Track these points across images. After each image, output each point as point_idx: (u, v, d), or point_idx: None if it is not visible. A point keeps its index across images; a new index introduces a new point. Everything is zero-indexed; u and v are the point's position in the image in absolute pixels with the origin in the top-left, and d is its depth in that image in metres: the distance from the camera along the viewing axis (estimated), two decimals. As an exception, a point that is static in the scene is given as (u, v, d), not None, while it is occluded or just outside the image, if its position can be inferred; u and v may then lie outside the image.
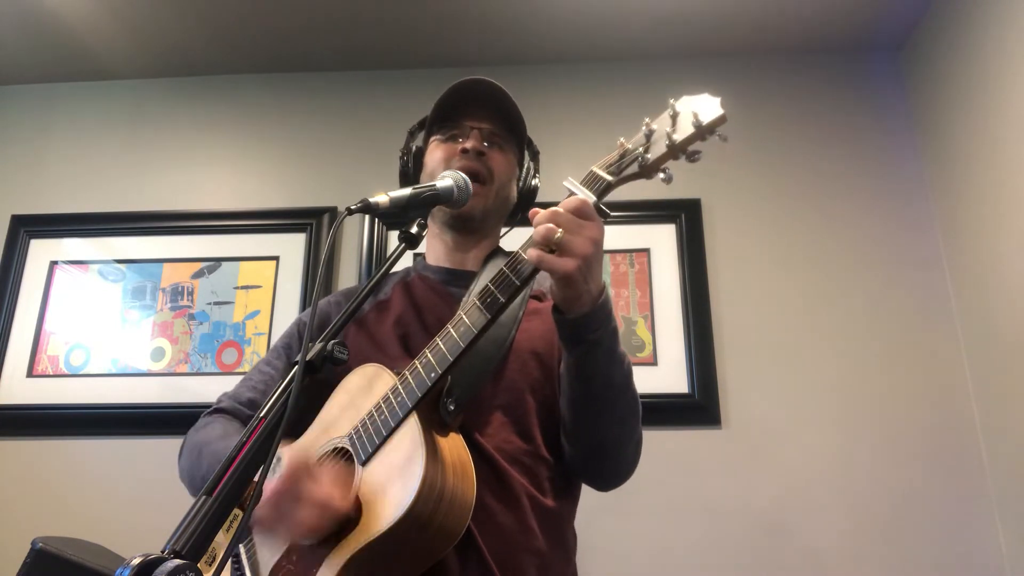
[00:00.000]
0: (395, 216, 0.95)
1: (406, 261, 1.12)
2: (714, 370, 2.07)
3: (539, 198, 1.32)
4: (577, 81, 2.46)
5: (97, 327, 2.27)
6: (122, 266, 2.35)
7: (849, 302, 2.14)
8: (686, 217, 2.22)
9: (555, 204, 0.89)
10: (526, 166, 1.28)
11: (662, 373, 2.08)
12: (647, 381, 2.06)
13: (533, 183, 1.28)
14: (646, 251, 2.22)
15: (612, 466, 1.07)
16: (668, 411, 2.04)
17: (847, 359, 2.08)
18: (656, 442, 1.97)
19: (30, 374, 2.22)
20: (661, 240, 2.22)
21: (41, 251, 2.37)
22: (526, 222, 1.30)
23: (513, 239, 1.30)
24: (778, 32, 2.34)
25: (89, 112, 2.57)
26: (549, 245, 0.86)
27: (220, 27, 2.36)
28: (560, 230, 0.86)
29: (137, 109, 2.56)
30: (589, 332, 0.93)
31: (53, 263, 2.35)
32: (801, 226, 2.23)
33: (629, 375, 1.01)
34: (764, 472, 1.99)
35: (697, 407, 2.04)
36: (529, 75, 2.46)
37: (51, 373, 2.23)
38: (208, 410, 1.18)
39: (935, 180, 2.21)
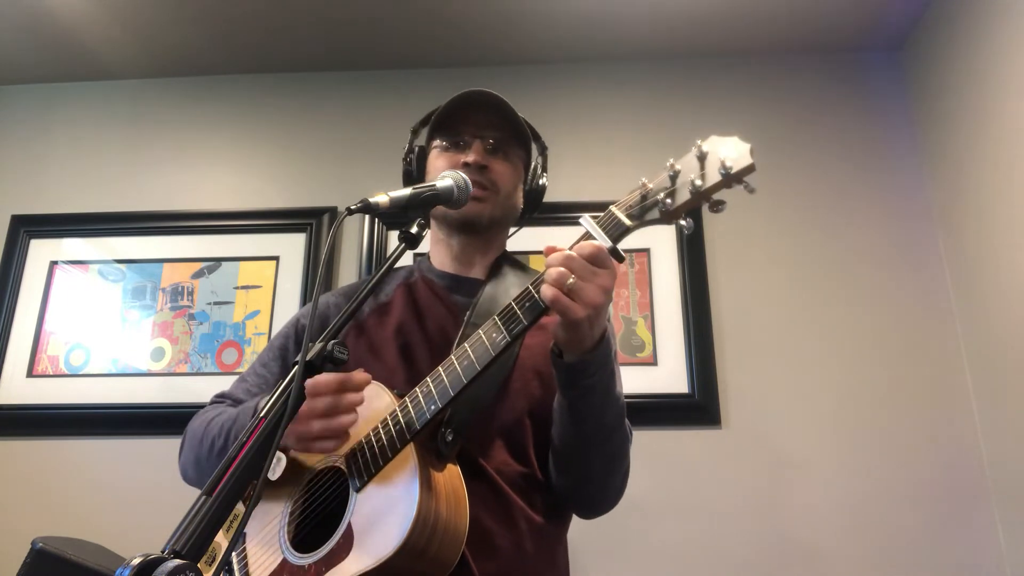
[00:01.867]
0: (395, 216, 0.95)
1: (406, 260, 1.12)
2: (714, 370, 2.07)
3: (547, 196, 1.32)
4: (576, 82, 2.46)
5: (97, 327, 2.27)
6: (122, 266, 2.35)
7: (849, 302, 2.14)
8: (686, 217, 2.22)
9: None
10: (532, 166, 1.26)
11: (662, 373, 2.08)
12: (647, 381, 2.06)
13: (541, 183, 1.27)
14: (646, 251, 2.22)
15: (598, 498, 1.08)
16: (668, 411, 2.04)
17: (847, 359, 2.08)
18: (656, 442, 2.00)
19: (30, 374, 2.22)
20: (661, 240, 2.22)
21: (41, 251, 2.37)
22: (532, 223, 1.31)
23: (520, 241, 1.31)
24: (778, 32, 2.34)
25: (89, 112, 2.57)
26: (561, 288, 0.84)
27: (220, 27, 2.36)
28: (572, 276, 0.84)
29: (137, 109, 2.56)
30: (585, 377, 0.92)
31: (53, 263, 2.35)
32: (801, 226, 2.23)
33: (622, 414, 1.01)
34: (764, 472, 1.99)
35: (697, 407, 2.04)
36: (530, 75, 2.46)
37: (51, 373, 2.22)
38: (203, 408, 1.18)
39: (935, 179, 2.21)
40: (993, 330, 1.93)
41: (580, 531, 1.15)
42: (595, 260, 0.86)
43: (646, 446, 1.87)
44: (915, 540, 1.91)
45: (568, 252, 0.86)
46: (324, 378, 0.88)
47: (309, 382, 0.86)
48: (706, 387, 2.05)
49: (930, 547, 1.90)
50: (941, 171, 2.18)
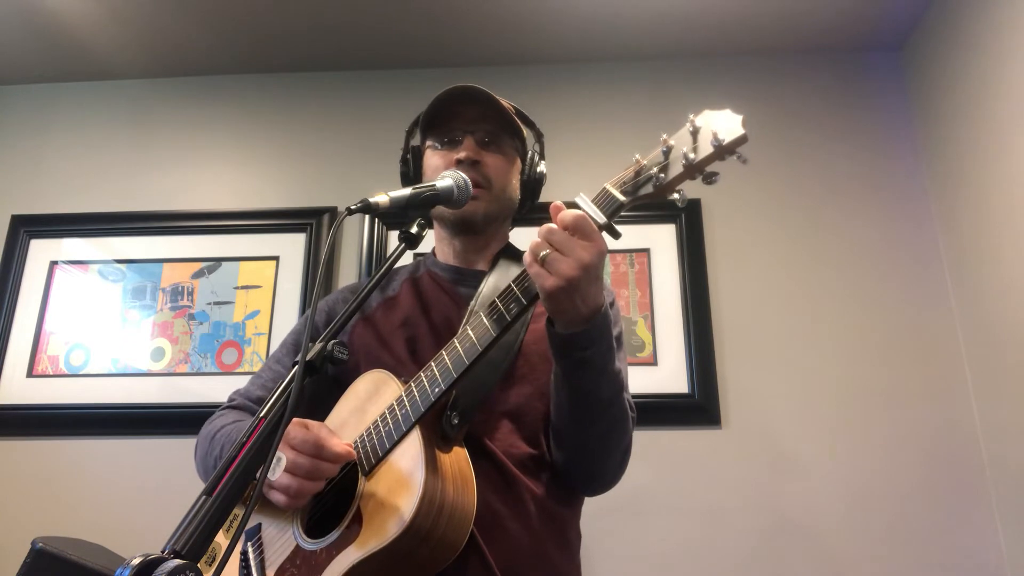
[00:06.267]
0: (395, 216, 0.95)
1: (408, 259, 1.12)
2: (714, 370, 2.07)
3: (548, 197, 1.31)
4: (577, 82, 2.46)
5: (97, 327, 2.27)
6: (122, 266, 2.35)
7: (849, 302, 2.14)
8: (686, 217, 2.22)
9: (565, 207, 0.88)
10: (529, 155, 1.26)
11: (662, 373, 2.08)
12: (647, 381, 2.06)
13: (539, 171, 1.26)
14: (646, 251, 2.22)
15: (597, 473, 1.07)
16: (668, 411, 2.04)
17: (847, 359, 2.08)
18: (656, 442, 2.00)
19: (30, 374, 2.22)
20: (661, 240, 2.22)
21: (41, 251, 2.37)
22: (534, 220, 1.30)
23: (522, 242, 1.30)
24: (778, 32, 2.34)
25: (89, 112, 2.57)
26: (535, 258, 0.86)
27: (220, 28, 2.36)
28: (546, 250, 0.85)
29: (137, 109, 2.56)
30: (577, 350, 0.92)
31: (53, 263, 2.35)
32: (801, 226, 2.23)
33: (620, 390, 1.01)
34: (764, 472, 1.99)
35: (697, 407, 2.04)
36: (530, 76, 2.46)
37: (51, 373, 2.22)
38: (221, 406, 1.20)
39: (935, 179, 2.21)
40: (993, 328, 1.93)
41: (582, 530, 1.15)
42: (577, 230, 0.85)
43: (646, 446, 1.87)
44: (915, 539, 1.91)
45: (550, 225, 0.87)
46: (301, 435, 0.91)
47: (290, 433, 0.90)
48: (706, 387, 2.05)
49: (930, 546, 1.90)
50: (941, 170, 2.18)
